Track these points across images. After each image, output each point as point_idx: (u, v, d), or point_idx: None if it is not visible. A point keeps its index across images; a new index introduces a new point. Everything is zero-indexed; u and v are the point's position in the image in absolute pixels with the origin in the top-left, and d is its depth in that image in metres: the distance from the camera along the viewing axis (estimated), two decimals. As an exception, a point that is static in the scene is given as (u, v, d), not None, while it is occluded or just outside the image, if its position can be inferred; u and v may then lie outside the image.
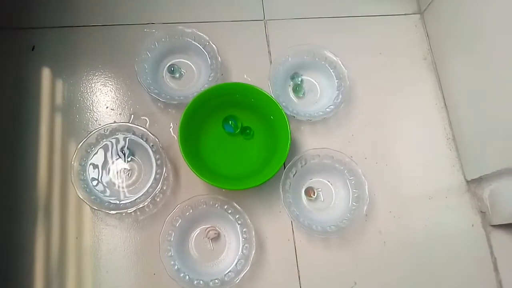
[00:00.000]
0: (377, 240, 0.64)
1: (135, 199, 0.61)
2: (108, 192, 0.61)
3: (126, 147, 0.64)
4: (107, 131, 0.63)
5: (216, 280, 0.57)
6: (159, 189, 0.61)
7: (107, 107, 0.68)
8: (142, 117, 0.67)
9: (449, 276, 0.64)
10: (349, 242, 0.64)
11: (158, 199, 0.63)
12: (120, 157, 0.63)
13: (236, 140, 0.66)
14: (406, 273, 0.63)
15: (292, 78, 0.71)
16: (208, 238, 0.61)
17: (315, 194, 0.65)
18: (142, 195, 0.61)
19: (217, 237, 0.61)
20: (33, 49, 0.70)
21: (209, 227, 0.61)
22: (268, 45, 0.73)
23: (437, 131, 0.71)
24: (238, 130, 0.66)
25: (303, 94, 0.70)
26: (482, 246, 0.65)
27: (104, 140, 0.63)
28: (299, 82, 0.70)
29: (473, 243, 0.65)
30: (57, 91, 0.68)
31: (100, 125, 0.66)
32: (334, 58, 0.69)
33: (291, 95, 0.71)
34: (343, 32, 0.76)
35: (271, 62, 0.72)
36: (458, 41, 0.69)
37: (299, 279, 0.61)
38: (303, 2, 0.77)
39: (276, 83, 0.68)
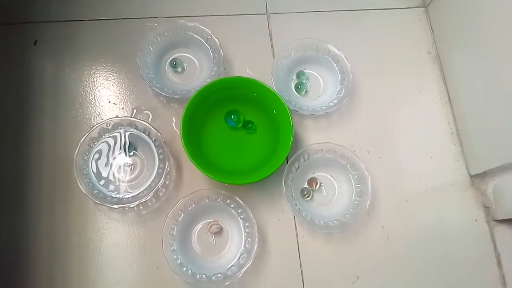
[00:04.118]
0: (380, 235, 0.64)
1: (138, 194, 0.61)
2: (110, 187, 0.62)
3: (128, 141, 0.64)
4: (109, 125, 0.63)
5: (219, 275, 0.58)
6: (161, 184, 0.61)
7: (109, 102, 0.68)
8: (144, 112, 0.67)
9: (452, 270, 0.63)
10: (352, 237, 0.63)
11: (160, 194, 0.63)
12: (122, 151, 0.63)
13: (239, 134, 0.66)
14: (409, 268, 0.63)
15: (298, 76, 0.70)
16: (211, 232, 0.61)
17: (318, 185, 0.65)
18: (144, 189, 0.61)
19: (219, 232, 0.61)
20: (35, 44, 0.69)
21: (212, 221, 0.61)
22: (270, 39, 0.73)
23: (440, 125, 0.71)
24: (241, 124, 0.66)
25: (305, 92, 0.70)
26: (486, 241, 0.65)
27: (107, 134, 0.63)
28: (303, 81, 0.70)
29: (477, 238, 0.65)
30: (59, 86, 0.68)
31: (102, 119, 0.66)
32: (337, 52, 0.69)
33: (294, 90, 0.70)
34: (347, 26, 0.75)
35: (273, 56, 0.72)
36: (463, 35, 0.68)
37: (302, 273, 0.61)
38: (306, -5, 0.77)
39: (279, 77, 0.68)
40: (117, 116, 0.66)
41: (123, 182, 0.62)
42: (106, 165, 0.63)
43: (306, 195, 0.64)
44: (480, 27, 0.64)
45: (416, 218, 0.65)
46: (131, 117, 0.66)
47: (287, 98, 0.66)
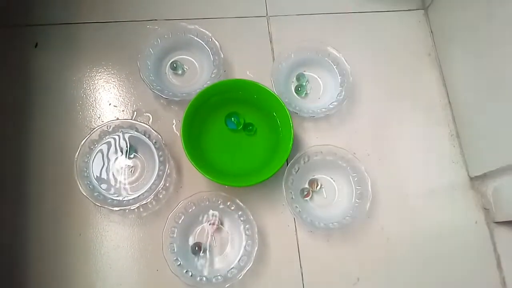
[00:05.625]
0: (380, 237, 0.64)
1: (138, 196, 0.61)
2: (111, 189, 0.62)
3: (128, 143, 0.64)
4: (110, 127, 0.63)
5: (219, 277, 0.58)
6: (162, 186, 0.61)
7: (110, 104, 0.68)
8: (145, 114, 0.67)
9: (452, 272, 0.63)
10: (352, 238, 0.63)
11: (161, 196, 0.63)
12: (123, 153, 0.64)
13: (239, 136, 0.66)
14: (409, 270, 0.63)
15: (298, 78, 0.71)
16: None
17: (318, 186, 0.65)
18: (145, 191, 0.61)
19: (220, 233, 0.61)
20: (36, 46, 0.70)
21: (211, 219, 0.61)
22: (271, 42, 0.73)
23: (440, 127, 0.71)
24: (241, 126, 0.66)
25: (305, 95, 0.70)
26: (486, 243, 0.65)
27: (107, 137, 0.63)
28: (303, 84, 0.70)
29: (477, 240, 0.65)
30: (60, 88, 0.68)
31: (103, 122, 0.66)
32: (337, 55, 0.69)
33: (294, 92, 0.70)
34: (346, 28, 0.76)
35: (273, 58, 0.72)
36: (462, 37, 0.69)
37: (302, 275, 0.62)
38: (306, -2, 0.77)
39: (279, 80, 0.68)
40: (117, 119, 0.66)
41: (123, 184, 0.62)
42: (106, 167, 0.63)
43: (306, 195, 0.64)
44: (480, 28, 0.64)
45: (416, 220, 0.65)
46: (131, 119, 0.66)
47: (287, 100, 0.66)
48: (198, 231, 0.62)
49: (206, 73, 0.69)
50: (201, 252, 0.60)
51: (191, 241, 0.60)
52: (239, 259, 0.59)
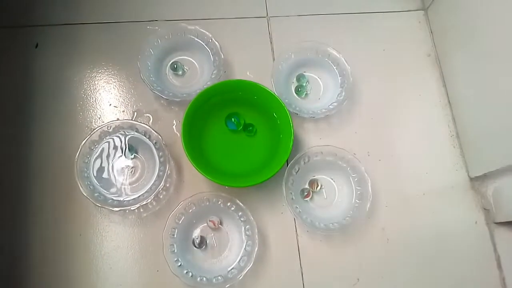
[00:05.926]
0: (380, 237, 0.64)
1: (139, 196, 0.61)
2: (111, 189, 0.62)
3: (128, 144, 0.64)
4: (110, 128, 0.63)
5: (219, 277, 0.58)
6: (162, 186, 0.61)
7: (110, 105, 0.68)
8: (145, 114, 0.67)
9: (452, 273, 0.63)
10: (352, 239, 0.64)
11: (161, 196, 0.63)
12: (123, 154, 0.64)
13: (239, 137, 0.66)
14: (409, 270, 0.63)
15: (298, 79, 0.71)
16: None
17: (319, 187, 0.65)
18: (145, 192, 0.61)
19: (220, 233, 0.61)
20: (36, 47, 0.70)
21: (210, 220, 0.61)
22: (271, 42, 0.73)
23: (440, 128, 0.71)
24: (241, 127, 0.66)
25: (305, 95, 0.70)
26: (486, 243, 0.65)
27: (108, 137, 0.63)
28: (304, 84, 0.70)
29: (477, 240, 0.65)
30: (60, 89, 0.68)
31: (103, 122, 0.66)
32: (337, 55, 0.69)
33: (294, 93, 0.70)
34: (347, 29, 0.76)
35: (274, 59, 0.72)
36: (462, 37, 0.69)
37: (302, 276, 0.62)
38: (306, -2, 0.77)
39: (279, 80, 0.68)
40: (118, 119, 0.66)
41: (123, 184, 0.62)
42: (107, 168, 0.63)
43: (306, 195, 0.64)
44: (480, 29, 0.64)
45: (416, 220, 0.65)
46: (132, 120, 0.66)
47: (287, 101, 0.66)
48: (199, 231, 0.62)
49: (206, 74, 0.69)
50: (204, 246, 0.60)
51: (194, 235, 0.61)
52: (240, 260, 0.59)
